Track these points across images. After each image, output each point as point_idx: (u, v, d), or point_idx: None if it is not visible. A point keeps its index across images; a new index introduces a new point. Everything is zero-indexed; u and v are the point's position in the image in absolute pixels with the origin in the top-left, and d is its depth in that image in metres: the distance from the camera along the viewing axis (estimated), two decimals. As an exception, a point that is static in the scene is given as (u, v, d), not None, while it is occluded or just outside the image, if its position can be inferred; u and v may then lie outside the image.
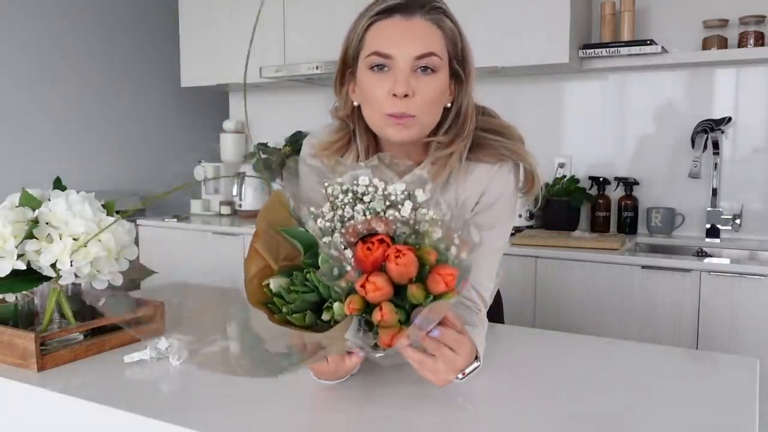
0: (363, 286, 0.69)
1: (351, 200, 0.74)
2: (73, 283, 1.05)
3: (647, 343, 1.23)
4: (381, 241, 0.70)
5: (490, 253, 1.07)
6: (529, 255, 2.17)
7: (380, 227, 0.71)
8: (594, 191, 2.57)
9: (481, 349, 0.91)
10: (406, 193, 0.74)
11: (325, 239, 0.73)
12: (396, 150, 1.07)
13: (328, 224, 0.74)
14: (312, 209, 0.76)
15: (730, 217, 2.38)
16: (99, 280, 1.05)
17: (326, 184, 0.76)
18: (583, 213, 2.60)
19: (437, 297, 0.71)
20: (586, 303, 2.12)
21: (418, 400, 0.88)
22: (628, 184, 2.51)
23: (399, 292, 0.71)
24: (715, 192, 2.39)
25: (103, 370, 0.99)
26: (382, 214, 0.73)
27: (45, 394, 0.92)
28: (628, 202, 2.51)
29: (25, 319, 1.08)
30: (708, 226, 2.39)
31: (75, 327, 1.05)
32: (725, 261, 2.08)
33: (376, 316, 0.69)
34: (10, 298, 1.07)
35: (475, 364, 0.88)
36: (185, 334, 1.14)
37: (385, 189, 0.74)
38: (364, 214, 0.73)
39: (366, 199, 0.74)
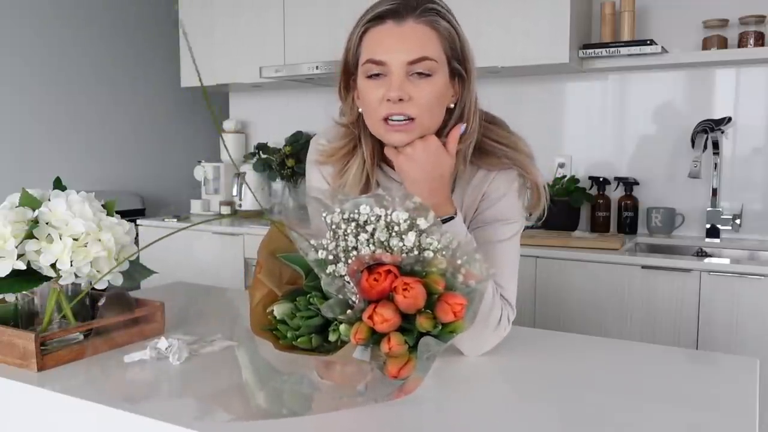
0: (371, 317, 0.69)
1: (354, 229, 0.73)
2: (73, 283, 1.05)
3: (647, 343, 1.23)
4: (388, 272, 0.69)
5: (504, 242, 1.06)
6: (529, 255, 2.17)
7: (386, 258, 0.70)
8: (594, 191, 2.57)
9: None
10: (408, 222, 0.73)
11: (329, 269, 0.73)
12: None
13: (331, 256, 0.73)
14: (313, 242, 0.75)
15: (730, 217, 2.38)
16: (99, 280, 1.05)
17: (325, 214, 0.75)
18: (583, 213, 2.60)
19: (446, 326, 0.71)
20: (586, 303, 2.12)
21: (418, 400, 0.87)
22: (628, 184, 2.51)
23: (407, 316, 0.70)
24: (715, 192, 2.39)
25: (103, 370, 0.99)
26: (386, 243, 0.72)
27: (45, 394, 0.92)
28: (628, 202, 2.51)
29: (25, 319, 1.08)
30: (708, 226, 2.39)
31: (75, 327, 1.05)
32: (725, 261, 2.08)
33: (384, 347, 0.69)
34: (10, 298, 1.07)
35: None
36: (185, 334, 1.14)
37: (387, 217, 0.73)
38: (368, 244, 0.72)
39: (369, 228, 0.73)
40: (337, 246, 0.73)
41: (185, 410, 0.87)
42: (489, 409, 0.87)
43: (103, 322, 1.09)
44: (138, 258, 1.13)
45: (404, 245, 0.71)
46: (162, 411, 0.83)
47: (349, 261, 0.72)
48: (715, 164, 2.38)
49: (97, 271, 1.03)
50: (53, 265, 0.99)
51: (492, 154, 1.06)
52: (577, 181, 2.54)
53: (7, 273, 0.97)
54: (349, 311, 0.71)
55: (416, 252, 0.71)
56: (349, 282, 0.72)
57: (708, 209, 2.39)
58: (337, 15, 2.71)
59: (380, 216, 0.72)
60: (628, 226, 2.50)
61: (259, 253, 0.81)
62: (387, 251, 0.71)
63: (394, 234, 0.72)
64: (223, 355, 1.06)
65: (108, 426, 0.86)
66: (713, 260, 2.16)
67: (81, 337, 1.07)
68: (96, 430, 0.87)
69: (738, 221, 2.37)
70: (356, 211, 0.73)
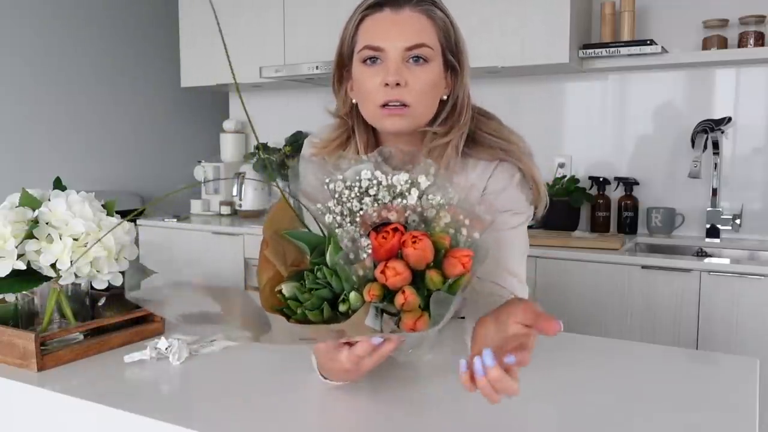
0: (383, 272, 0.70)
1: (357, 194, 0.75)
2: (73, 283, 1.05)
3: (647, 343, 1.23)
4: (395, 230, 0.71)
5: (511, 229, 1.07)
6: (530, 255, 2.16)
7: (392, 216, 0.72)
8: (594, 191, 2.57)
9: None
10: (410, 181, 0.74)
11: (339, 231, 0.74)
12: (393, 143, 1.07)
13: (338, 218, 0.75)
14: (319, 206, 0.76)
15: (730, 217, 2.38)
16: (99, 280, 1.05)
17: (327, 181, 0.76)
18: (583, 213, 2.60)
19: (455, 280, 0.72)
20: (586, 303, 2.12)
21: (419, 401, 0.88)
22: (628, 184, 2.51)
23: (415, 279, 0.72)
24: (715, 192, 2.39)
25: (103, 370, 0.99)
26: (389, 204, 0.74)
27: (45, 394, 0.92)
28: (628, 202, 2.51)
29: (25, 319, 1.08)
30: (708, 226, 2.39)
31: (75, 327, 1.05)
32: (725, 261, 2.08)
33: (399, 299, 0.70)
34: (10, 298, 1.07)
35: None
36: (185, 334, 1.14)
37: (389, 180, 0.75)
38: (372, 205, 0.74)
39: (371, 192, 0.75)
40: (342, 210, 0.74)
41: (185, 410, 0.88)
42: (489, 408, 0.87)
43: (103, 322, 1.09)
44: (138, 258, 1.13)
45: (407, 203, 0.73)
46: (162, 411, 0.83)
47: (356, 221, 0.74)
48: (715, 164, 2.38)
49: (97, 271, 1.03)
50: (53, 265, 0.99)
51: (486, 145, 1.06)
52: (577, 181, 2.54)
53: (7, 273, 0.97)
54: (360, 271, 0.71)
55: (420, 209, 0.73)
56: (362, 235, 0.73)
57: (708, 209, 2.39)
58: (337, 15, 2.69)
59: (381, 181, 0.74)
60: (628, 226, 2.50)
61: (264, 231, 0.81)
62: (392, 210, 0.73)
63: (395, 195, 0.74)
64: (223, 355, 1.06)
65: (108, 426, 0.86)
66: (713, 260, 2.16)
67: (81, 337, 1.07)
68: (96, 430, 0.87)
69: (738, 221, 2.37)
70: (357, 178, 0.75)
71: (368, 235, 0.72)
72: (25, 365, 0.98)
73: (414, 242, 0.69)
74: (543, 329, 0.70)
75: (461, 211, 0.74)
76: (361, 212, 0.74)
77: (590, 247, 2.18)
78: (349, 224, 0.74)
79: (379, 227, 0.72)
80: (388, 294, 0.71)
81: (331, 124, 1.13)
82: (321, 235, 0.78)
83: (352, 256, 0.72)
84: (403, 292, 0.70)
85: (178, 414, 0.84)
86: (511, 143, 1.07)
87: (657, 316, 2.02)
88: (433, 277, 0.71)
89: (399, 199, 0.74)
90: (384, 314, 0.73)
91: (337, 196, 0.75)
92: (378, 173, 0.75)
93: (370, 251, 0.71)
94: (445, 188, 0.75)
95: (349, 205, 0.75)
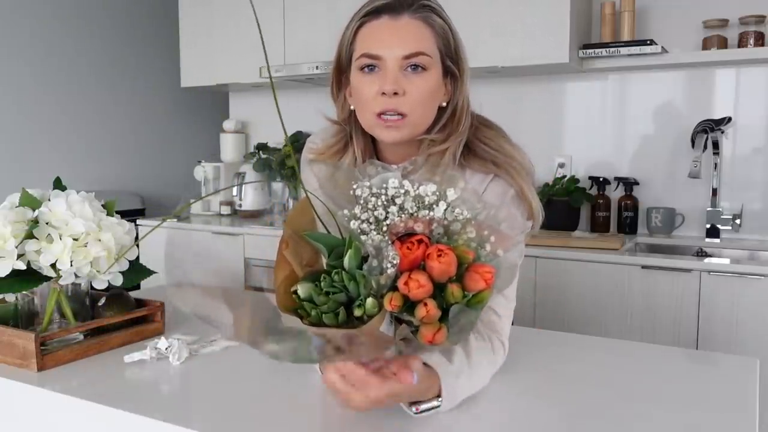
0: (406, 283, 0.70)
1: (384, 202, 0.75)
2: (73, 283, 1.05)
3: (647, 343, 1.23)
4: (420, 241, 0.71)
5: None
6: (529, 255, 2.17)
7: (419, 227, 0.72)
8: (594, 191, 2.57)
9: (449, 390, 0.84)
10: (437, 193, 0.74)
11: (364, 237, 0.74)
12: (391, 151, 1.07)
13: (364, 225, 0.75)
14: (345, 212, 0.76)
15: (730, 217, 2.38)
16: (99, 280, 1.05)
17: (355, 186, 0.76)
18: (583, 213, 2.60)
19: (475, 295, 0.72)
20: (586, 303, 2.12)
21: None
22: (628, 184, 2.51)
23: (434, 291, 0.72)
24: (715, 192, 2.39)
25: (103, 370, 0.99)
26: (415, 215, 0.74)
27: (45, 394, 0.92)
28: (628, 202, 2.51)
29: (25, 319, 1.08)
30: (708, 226, 2.39)
31: (75, 327, 1.05)
32: (725, 261, 2.08)
33: (421, 312, 0.70)
34: (10, 298, 1.07)
35: (434, 403, 0.83)
36: (185, 334, 1.14)
37: (416, 190, 0.75)
38: (399, 215, 0.74)
39: (398, 201, 0.75)
40: (369, 218, 0.75)
41: (185, 410, 0.88)
42: (489, 409, 0.87)
43: (103, 322, 1.09)
44: (138, 258, 1.13)
45: (434, 216, 0.73)
46: (162, 411, 0.83)
47: (383, 230, 0.74)
48: (715, 164, 2.38)
49: (97, 271, 1.03)
50: (53, 265, 0.99)
51: (479, 157, 1.03)
52: (577, 181, 2.54)
53: (7, 273, 0.97)
54: (382, 280, 0.71)
55: (446, 222, 0.73)
56: (388, 246, 0.73)
57: (708, 209, 2.39)
58: (337, 15, 2.71)
59: (408, 190, 0.74)
60: (628, 226, 2.50)
61: (284, 230, 0.81)
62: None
63: (422, 206, 0.74)
64: (223, 355, 1.06)
65: (108, 426, 0.86)
66: (713, 260, 2.16)
67: (81, 337, 1.07)
68: (96, 430, 0.88)
69: (738, 221, 2.37)
70: (384, 186, 0.75)
71: (393, 244, 0.72)
72: (25, 365, 0.98)
73: (439, 256, 0.70)
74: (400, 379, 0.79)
75: (486, 226, 0.74)
76: (387, 221, 0.74)
77: (590, 247, 2.18)
78: (374, 232, 0.74)
79: (404, 237, 0.72)
80: (407, 304, 0.71)
81: (330, 127, 1.13)
82: (339, 237, 0.78)
83: (375, 264, 0.72)
84: (425, 304, 0.70)
85: (178, 414, 0.84)
86: (507, 157, 1.03)
87: (657, 316, 2.02)
88: (454, 291, 0.71)
89: (425, 211, 0.74)
90: (400, 322, 0.73)
91: (362, 202, 0.75)
92: (406, 182, 0.75)
93: (396, 262, 0.71)
94: (472, 202, 0.75)
95: (375, 213, 0.75)
